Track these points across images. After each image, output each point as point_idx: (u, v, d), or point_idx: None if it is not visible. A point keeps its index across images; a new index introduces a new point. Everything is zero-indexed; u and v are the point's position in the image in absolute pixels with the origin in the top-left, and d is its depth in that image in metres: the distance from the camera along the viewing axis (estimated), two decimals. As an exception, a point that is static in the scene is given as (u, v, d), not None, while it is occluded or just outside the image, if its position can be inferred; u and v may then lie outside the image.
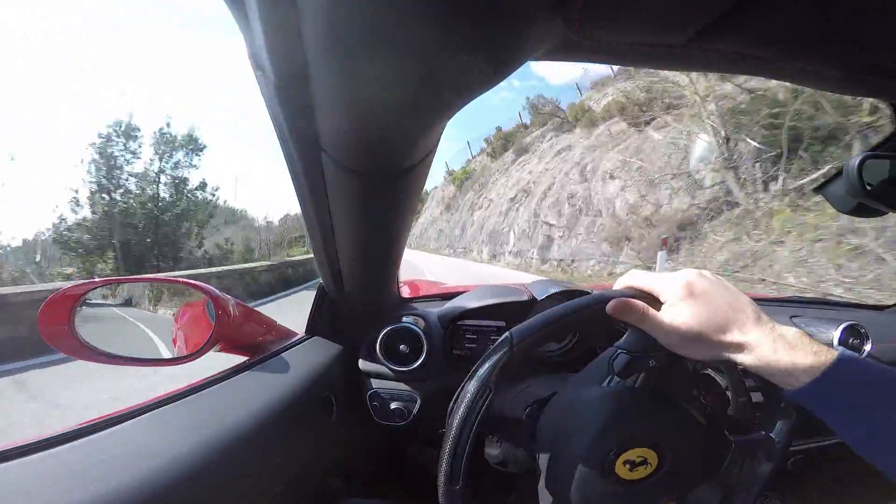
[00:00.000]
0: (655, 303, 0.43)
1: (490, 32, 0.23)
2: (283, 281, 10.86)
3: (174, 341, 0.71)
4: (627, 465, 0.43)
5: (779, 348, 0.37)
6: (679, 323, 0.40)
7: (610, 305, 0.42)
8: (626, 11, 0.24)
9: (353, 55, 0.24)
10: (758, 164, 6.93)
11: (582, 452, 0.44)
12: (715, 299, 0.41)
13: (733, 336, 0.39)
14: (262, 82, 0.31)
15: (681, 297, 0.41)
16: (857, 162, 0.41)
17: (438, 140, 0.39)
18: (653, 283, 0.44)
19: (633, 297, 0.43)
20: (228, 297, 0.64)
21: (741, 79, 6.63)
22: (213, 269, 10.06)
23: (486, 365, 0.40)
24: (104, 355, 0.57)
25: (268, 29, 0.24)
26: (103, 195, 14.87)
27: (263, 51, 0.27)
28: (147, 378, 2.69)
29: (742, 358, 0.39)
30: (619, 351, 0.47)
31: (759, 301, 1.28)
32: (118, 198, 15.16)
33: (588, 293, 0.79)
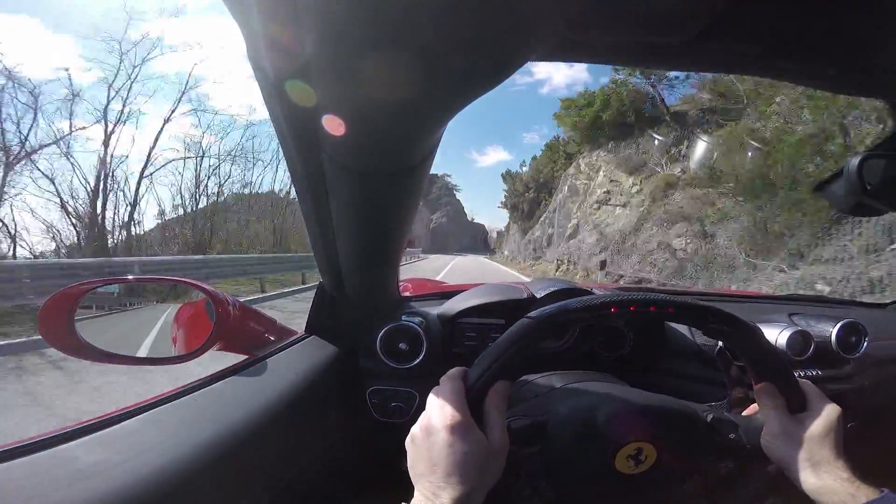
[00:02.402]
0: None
1: (490, 32, 0.23)
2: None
3: (174, 340, 0.71)
4: (629, 461, 0.43)
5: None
6: (817, 442, 0.41)
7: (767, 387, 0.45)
8: (627, 11, 0.24)
9: (353, 56, 0.24)
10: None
11: (581, 447, 0.44)
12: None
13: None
14: (262, 82, 0.31)
15: (831, 419, 0.43)
16: (857, 161, 0.41)
17: (439, 141, 0.39)
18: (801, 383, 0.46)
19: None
20: (228, 296, 0.64)
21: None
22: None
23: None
24: (104, 354, 0.57)
25: (268, 29, 0.24)
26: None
27: (263, 51, 0.27)
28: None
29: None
30: (721, 418, 0.47)
31: (758, 299, 1.28)
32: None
33: (589, 292, 0.79)
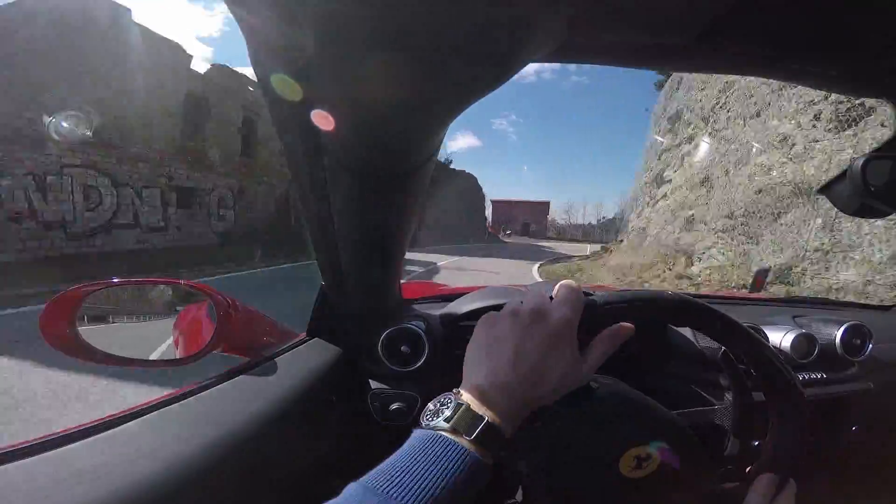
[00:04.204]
0: None
1: (491, 34, 0.23)
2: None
3: (176, 343, 0.71)
4: (633, 462, 0.43)
5: None
6: None
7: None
8: (628, 13, 0.24)
9: (354, 56, 0.24)
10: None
11: (586, 449, 0.44)
12: None
13: None
14: (263, 81, 0.32)
15: None
16: (861, 163, 0.41)
17: (441, 143, 0.39)
18: None
19: None
20: (230, 298, 0.64)
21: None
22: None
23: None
24: (107, 357, 0.57)
25: (269, 29, 0.24)
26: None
27: (265, 51, 0.27)
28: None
29: None
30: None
31: (762, 302, 1.28)
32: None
33: (590, 294, 0.78)
